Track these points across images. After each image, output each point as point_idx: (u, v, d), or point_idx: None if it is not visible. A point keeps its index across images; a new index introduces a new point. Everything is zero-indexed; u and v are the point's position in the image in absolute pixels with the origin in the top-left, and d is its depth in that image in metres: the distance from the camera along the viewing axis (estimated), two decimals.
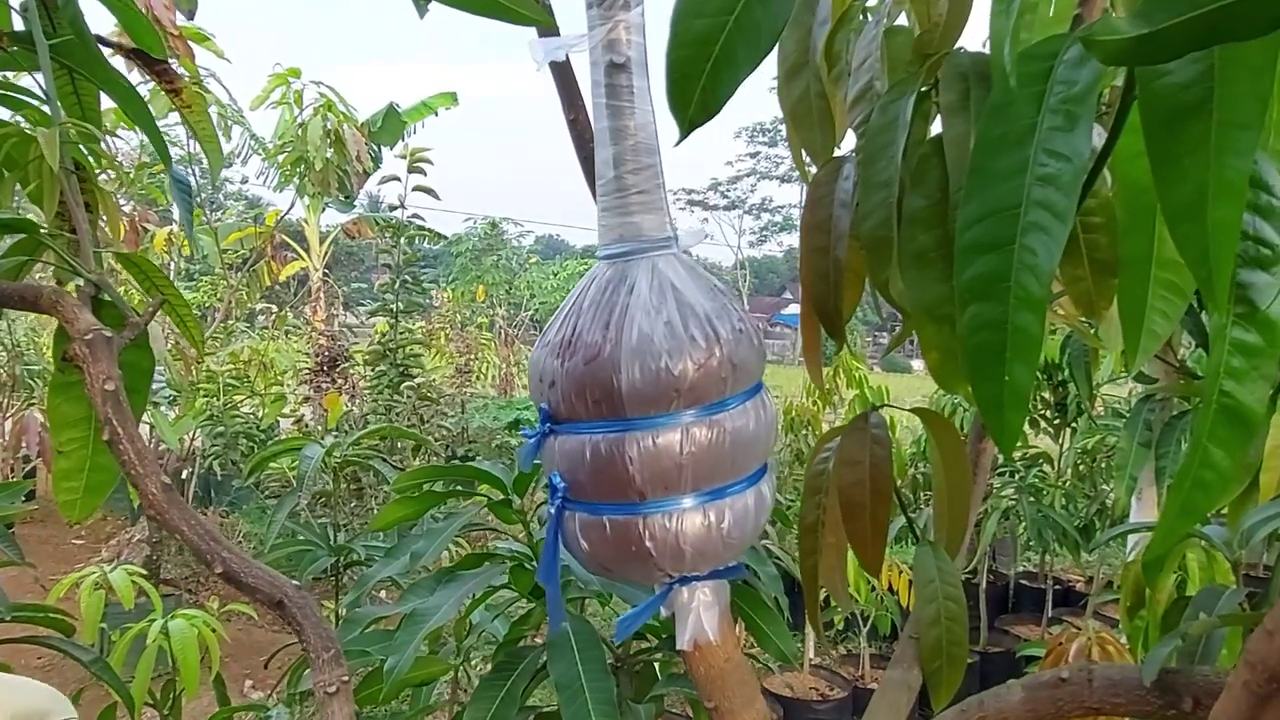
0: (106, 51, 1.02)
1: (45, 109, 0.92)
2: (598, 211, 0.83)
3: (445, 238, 10.16)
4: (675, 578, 0.82)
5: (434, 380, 6.98)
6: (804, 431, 4.60)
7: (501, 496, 1.42)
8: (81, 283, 0.94)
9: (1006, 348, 0.57)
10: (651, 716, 1.45)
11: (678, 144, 0.55)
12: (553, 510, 0.82)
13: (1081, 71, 0.56)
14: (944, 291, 0.77)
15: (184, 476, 5.86)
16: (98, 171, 0.99)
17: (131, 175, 4.50)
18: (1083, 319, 0.97)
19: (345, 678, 0.97)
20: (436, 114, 9.12)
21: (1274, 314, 0.58)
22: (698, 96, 0.53)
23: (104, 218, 0.98)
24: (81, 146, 0.95)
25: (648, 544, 0.77)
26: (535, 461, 0.88)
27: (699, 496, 0.78)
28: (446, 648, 1.69)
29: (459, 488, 1.55)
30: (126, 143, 5.42)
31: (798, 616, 4.14)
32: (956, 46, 0.86)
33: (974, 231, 0.58)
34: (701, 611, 0.82)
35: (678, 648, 0.84)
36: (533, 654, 1.36)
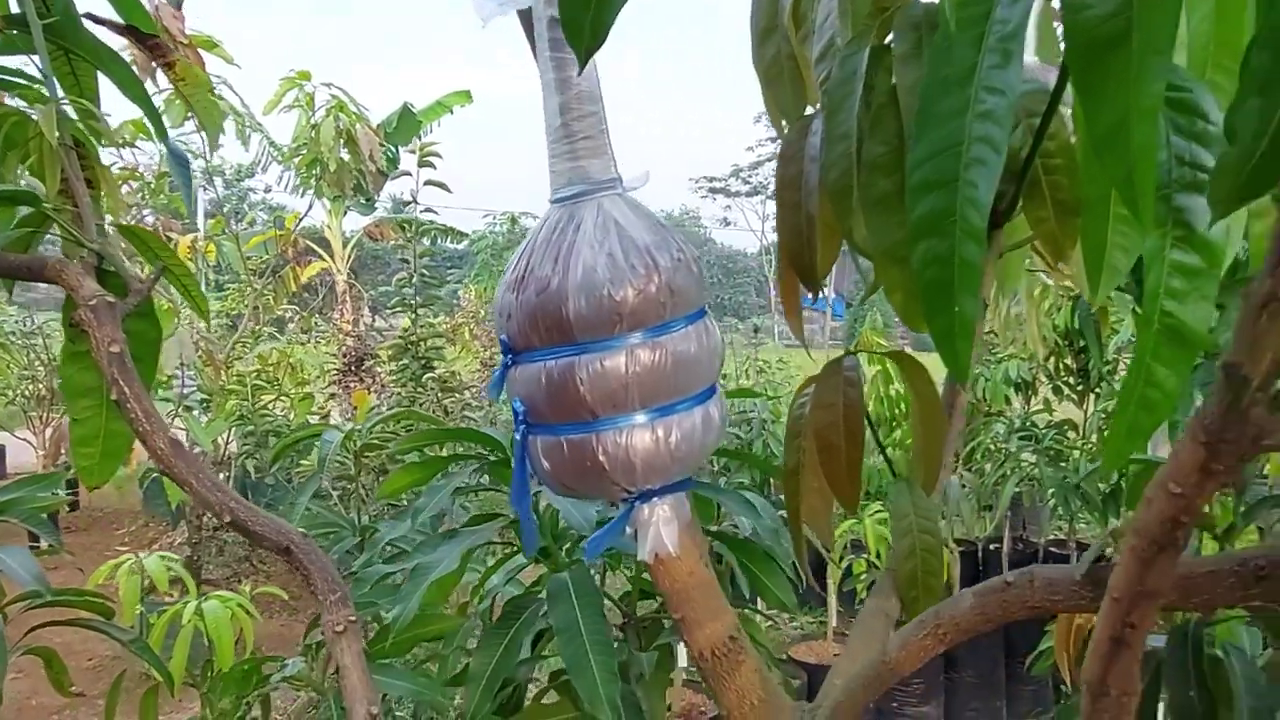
0: (100, 30, 1.07)
1: (43, 89, 0.99)
2: (548, 159, 0.89)
3: (466, 235, 10.23)
4: (634, 494, 0.88)
5: (456, 371, 7.06)
6: None
7: (500, 456, 1.48)
8: (86, 254, 1.01)
9: (954, 281, 0.60)
10: (653, 664, 1.52)
11: (580, 72, 0.60)
12: (518, 435, 0.89)
13: (1014, 9, 0.59)
14: (903, 234, 0.79)
15: (222, 479, 5.98)
16: (99, 146, 1.05)
17: (153, 185, 4.63)
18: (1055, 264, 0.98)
19: (352, 617, 1.02)
20: (452, 112, 9.16)
21: (1212, 236, 0.60)
22: (588, 27, 0.58)
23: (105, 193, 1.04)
24: (80, 124, 1.02)
25: (601, 459, 0.83)
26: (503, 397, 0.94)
27: (648, 414, 0.84)
28: (474, 620, 1.75)
29: (461, 452, 1.62)
30: (149, 155, 5.58)
31: (823, 585, 4.17)
32: None
33: (922, 171, 0.61)
34: (661, 526, 0.88)
35: (639, 559, 0.90)
36: (535, 605, 1.43)
